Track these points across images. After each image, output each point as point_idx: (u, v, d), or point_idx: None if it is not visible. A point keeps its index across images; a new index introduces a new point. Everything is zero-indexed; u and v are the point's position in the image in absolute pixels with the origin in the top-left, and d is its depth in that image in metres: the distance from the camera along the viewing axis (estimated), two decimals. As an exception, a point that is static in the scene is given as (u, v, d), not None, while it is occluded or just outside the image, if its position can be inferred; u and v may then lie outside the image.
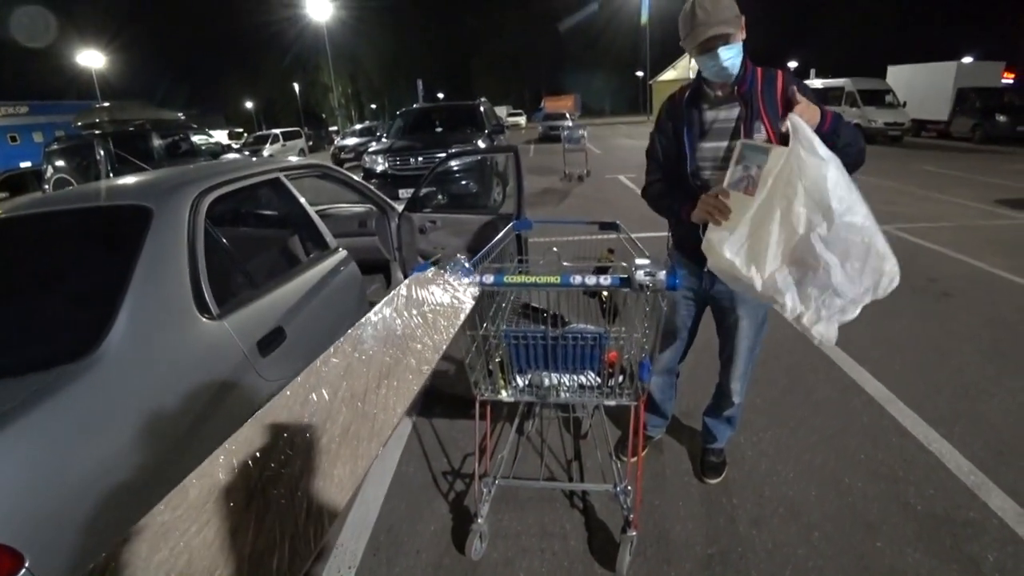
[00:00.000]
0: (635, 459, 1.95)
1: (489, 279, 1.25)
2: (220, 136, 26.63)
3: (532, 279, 1.23)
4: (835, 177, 1.25)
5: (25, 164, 16.90)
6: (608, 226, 1.94)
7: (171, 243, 1.72)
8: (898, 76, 20.06)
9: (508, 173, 3.62)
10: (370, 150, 9.04)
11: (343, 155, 19.23)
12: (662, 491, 2.13)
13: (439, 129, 9.53)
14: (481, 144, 8.46)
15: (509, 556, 1.86)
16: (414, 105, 14.16)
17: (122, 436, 1.33)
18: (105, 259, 1.77)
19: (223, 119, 49.14)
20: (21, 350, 1.49)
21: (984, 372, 2.93)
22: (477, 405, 1.69)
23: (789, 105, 1.56)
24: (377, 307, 1.28)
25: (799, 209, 1.28)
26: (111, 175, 8.51)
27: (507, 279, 1.23)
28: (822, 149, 1.26)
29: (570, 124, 14.85)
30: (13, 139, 19.60)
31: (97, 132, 8.94)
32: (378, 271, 3.53)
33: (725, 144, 1.65)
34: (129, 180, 2.36)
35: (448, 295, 1.35)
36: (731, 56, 1.55)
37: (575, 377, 1.57)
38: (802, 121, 1.31)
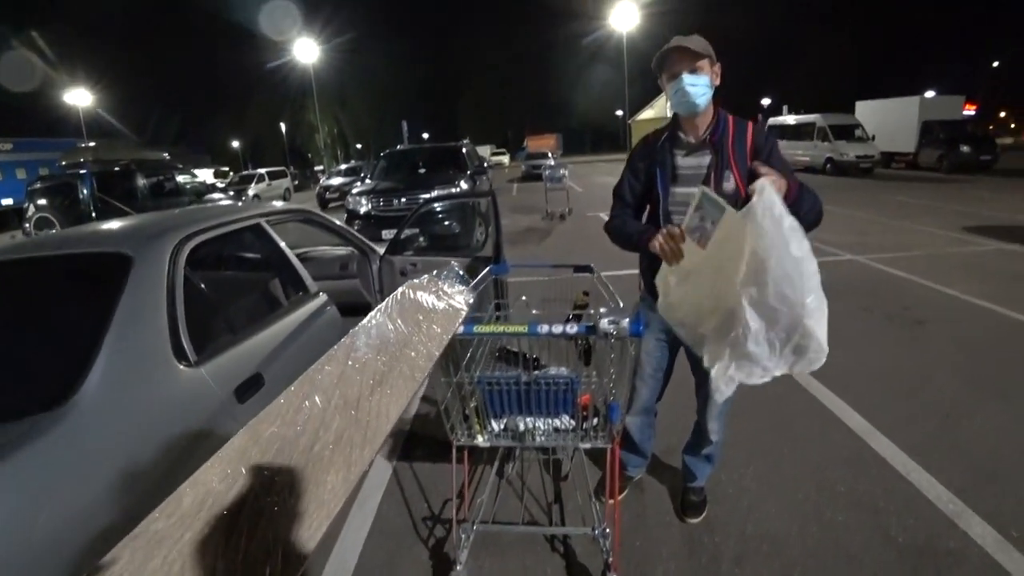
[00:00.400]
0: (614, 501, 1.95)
1: (460, 329, 1.27)
2: (206, 174, 26.72)
3: (501, 329, 1.26)
4: (794, 249, 1.26)
5: (7, 201, 16.76)
6: (583, 269, 1.98)
7: (151, 291, 1.72)
8: (866, 111, 20.91)
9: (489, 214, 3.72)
10: (353, 191, 9.18)
11: (328, 195, 19.34)
12: (643, 531, 2.11)
13: (422, 170, 9.72)
14: (464, 184, 8.62)
15: (490, 604, 1.82)
16: (398, 146, 14.41)
17: (96, 487, 1.31)
18: (84, 307, 1.76)
19: (209, 157, 49.36)
20: None
21: (959, 398, 2.99)
22: (454, 450, 1.69)
23: (757, 156, 1.64)
24: (371, 314, 1.27)
25: (741, 269, 1.30)
26: (94, 215, 8.48)
27: (476, 329, 1.25)
28: (787, 220, 1.28)
29: (552, 163, 15.19)
30: (-4, 175, 19.50)
31: (82, 171, 8.95)
32: (359, 314, 3.53)
33: (696, 191, 1.72)
34: (110, 226, 2.37)
35: (442, 302, 1.36)
36: (696, 84, 1.62)
37: (550, 421, 1.59)
38: (771, 188, 1.33)
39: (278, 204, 3.20)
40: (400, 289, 1.36)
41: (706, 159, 1.71)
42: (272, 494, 0.94)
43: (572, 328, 1.23)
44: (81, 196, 8.53)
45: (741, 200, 1.64)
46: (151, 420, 1.51)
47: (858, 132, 18.62)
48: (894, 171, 19.23)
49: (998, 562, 1.86)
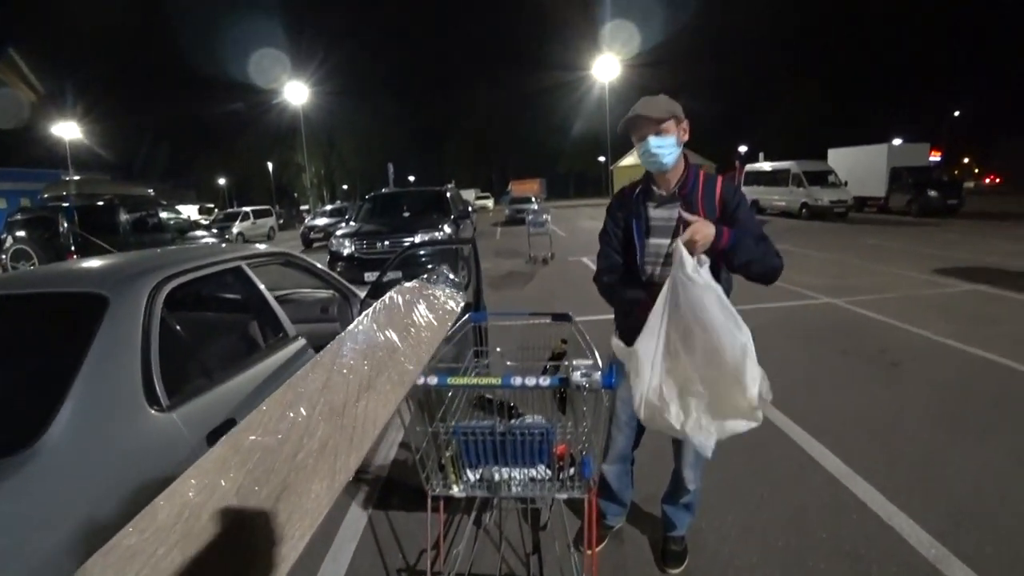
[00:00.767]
0: (592, 552, 1.91)
1: (433, 380, 1.26)
2: (191, 211, 26.66)
3: (475, 381, 1.26)
4: (709, 304, 1.33)
5: (-16, 230, 16.42)
6: (560, 317, 2.00)
7: (125, 333, 1.70)
8: (838, 158, 21.76)
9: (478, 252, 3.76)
10: (337, 233, 9.22)
11: (312, 235, 19.38)
12: (625, 582, 2.07)
13: (406, 214, 9.80)
14: (447, 229, 8.70)
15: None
16: (382, 190, 14.59)
17: (58, 536, 1.25)
18: (55, 347, 1.73)
19: (195, 193, 49.35)
20: None
21: (936, 439, 3.02)
22: (429, 500, 1.65)
23: (726, 208, 1.72)
24: (358, 319, 1.25)
25: (678, 327, 1.36)
26: (73, 249, 8.37)
27: (451, 381, 1.25)
28: (698, 276, 1.35)
29: (535, 208, 15.46)
30: (-26, 206, 19.19)
31: (65, 204, 8.86)
32: None
33: (667, 242, 1.79)
34: (88, 264, 2.35)
35: (432, 307, 1.33)
36: (661, 146, 1.71)
37: (526, 471, 1.57)
38: (683, 248, 1.42)
39: (260, 247, 3.20)
40: (389, 294, 1.35)
41: (676, 211, 1.77)
42: (253, 506, 0.91)
43: (545, 381, 1.24)
44: (61, 230, 8.42)
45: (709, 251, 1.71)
46: (118, 466, 1.47)
47: (831, 178, 19.32)
48: (867, 215, 19.91)
49: (980, 609, 1.85)
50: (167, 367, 1.74)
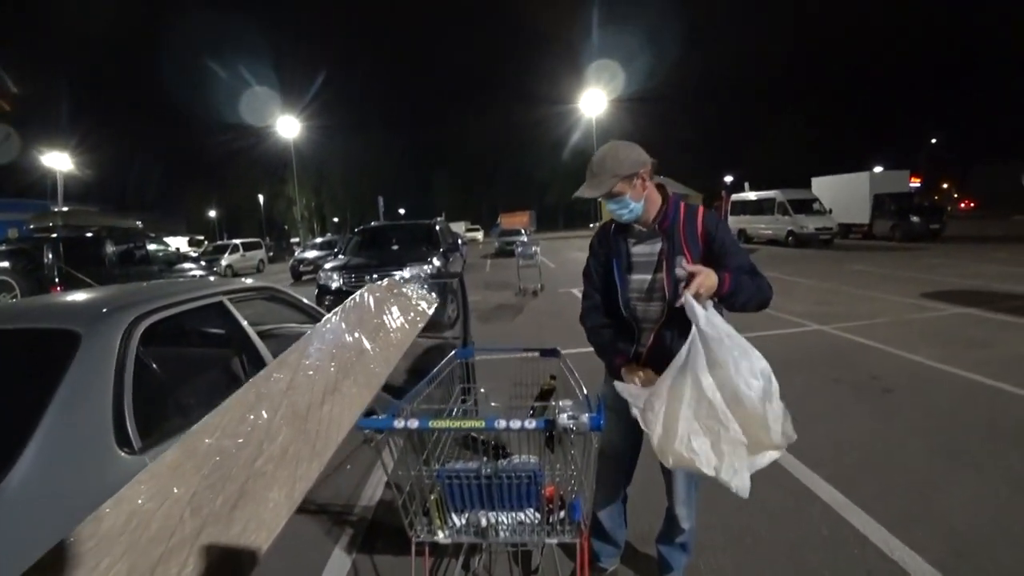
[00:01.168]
0: None
1: (414, 423, 1.21)
2: (181, 243, 26.54)
3: (457, 424, 1.20)
4: (727, 350, 1.35)
5: (-31, 262, 16.13)
6: (549, 353, 1.96)
7: (97, 372, 1.64)
8: (822, 186, 22.22)
9: (466, 287, 3.71)
10: (326, 267, 9.20)
11: (302, 268, 19.31)
12: (621, 628, 1.97)
13: (395, 247, 9.81)
14: (437, 262, 8.70)
15: None
16: (372, 223, 14.63)
17: None
18: (23, 386, 1.67)
19: (185, 225, 49.22)
20: None
21: (934, 467, 2.98)
22: (413, 546, 1.57)
23: (708, 239, 1.70)
24: (326, 318, 1.20)
25: (705, 379, 1.37)
26: (57, 281, 8.25)
27: (432, 424, 1.19)
28: (711, 328, 1.37)
29: (524, 239, 15.54)
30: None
31: (53, 236, 8.76)
32: None
33: (650, 277, 1.76)
34: (64, 299, 2.29)
35: (403, 308, 1.28)
36: (618, 208, 1.72)
37: (514, 514, 1.50)
38: (692, 300, 1.43)
39: (246, 281, 3.15)
40: (359, 292, 1.30)
41: (657, 246, 1.76)
42: (207, 513, 0.84)
43: (531, 423, 1.19)
44: (46, 261, 8.30)
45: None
46: (84, 510, 1.39)
47: (816, 206, 19.68)
48: (852, 241, 20.23)
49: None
50: (142, 407, 1.68)
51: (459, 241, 13.69)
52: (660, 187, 1.83)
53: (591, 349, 1.93)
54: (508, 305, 9.91)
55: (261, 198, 56.01)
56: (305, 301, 3.12)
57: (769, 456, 1.35)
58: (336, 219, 69.30)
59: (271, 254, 28.65)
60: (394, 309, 1.31)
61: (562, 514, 1.41)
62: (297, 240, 35.60)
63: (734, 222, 23.06)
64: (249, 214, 60.84)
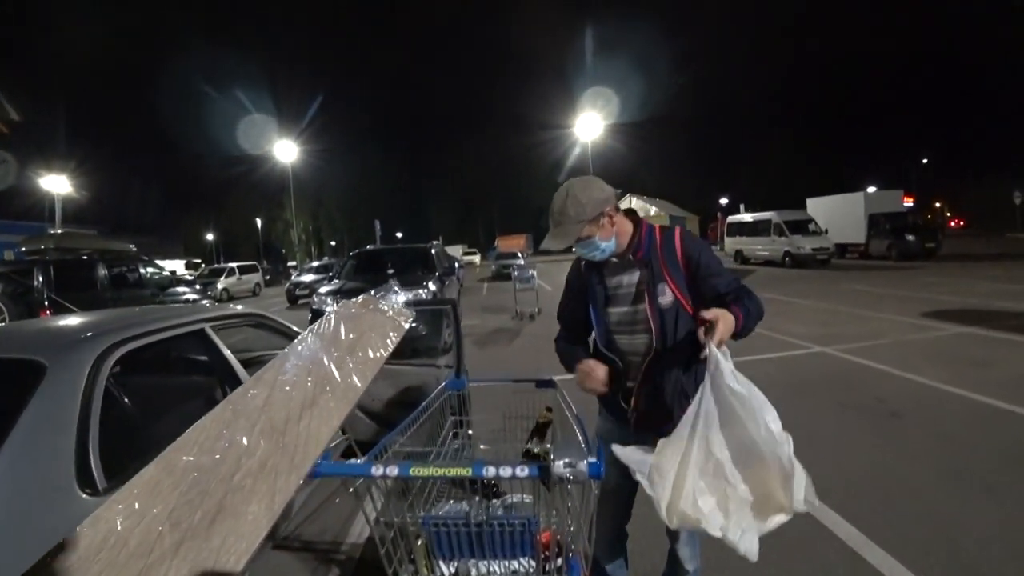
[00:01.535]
0: None
1: (394, 471, 1.09)
2: (177, 266, 26.47)
3: (441, 471, 1.10)
4: (750, 410, 1.27)
5: (-39, 285, 15.98)
6: (545, 384, 1.86)
7: (61, 407, 1.53)
8: (817, 207, 22.39)
9: (459, 314, 3.59)
10: (320, 291, 9.12)
11: (298, 291, 19.21)
12: None
13: (390, 271, 9.72)
14: (432, 286, 8.60)
15: None
16: (367, 246, 14.61)
17: None
18: None
19: (182, 248, 49.18)
20: None
21: (947, 495, 2.86)
22: (397, 596, 1.44)
23: (689, 263, 1.61)
24: (303, 335, 1.14)
25: (715, 436, 1.30)
26: (47, 305, 8.15)
27: (413, 472, 1.08)
28: (737, 384, 1.28)
29: (521, 263, 15.48)
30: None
31: (47, 259, 8.68)
32: None
33: (628, 308, 1.67)
34: (34, 327, 2.18)
35: (379, 324, 1.22)
36: (589, 251, 1.63)
37: (507, 563, 1.38)
38: (717, 352, 1.31)
39: (232, 307, 3.05)
40: (335, 307, 1.25)
41: (636, 275, 1.67)
42: (185, 528, 0.83)
43: (523, 471, 1.08)
44: (36, 284, 8.21)
45: (682, 310, 1.61)
46: (39, 555, 1.28)
47: (812, 226, 19.79)
48: (849, 261, 20.28)
49: None
50: (110, 443, 1.57)
51: (456, 265, 13.62)
52: (629, 212, 1.74)
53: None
54: (505, 329, 9.79)
55: (259, 222, 56.16)
56: (295, 328, 3.01)
57: (777, 520, 1.25)
58: (333, 242, 69.49)
59: (267, 277, 28.54)
60: (370, 324, 1.26)
61: (559, 562, 1.29)
62: (294, 263, 35.53)
63: (731, 243, 23.14)
64: (247, 238, 60.94)
